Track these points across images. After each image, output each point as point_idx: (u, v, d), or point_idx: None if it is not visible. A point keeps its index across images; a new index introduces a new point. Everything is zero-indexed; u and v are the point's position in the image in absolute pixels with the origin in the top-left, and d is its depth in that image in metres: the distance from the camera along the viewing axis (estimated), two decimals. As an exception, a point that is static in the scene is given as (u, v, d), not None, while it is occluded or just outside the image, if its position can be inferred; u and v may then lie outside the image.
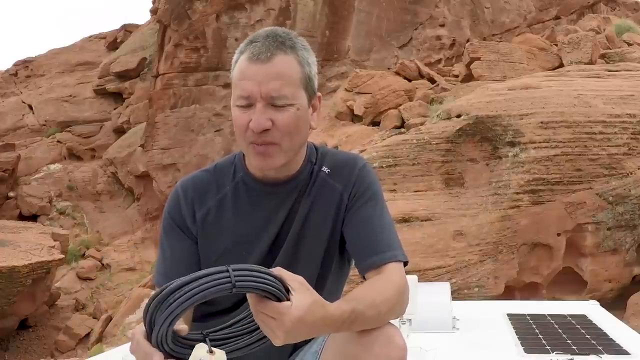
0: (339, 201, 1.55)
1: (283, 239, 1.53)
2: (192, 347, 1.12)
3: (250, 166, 1.56)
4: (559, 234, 7.15)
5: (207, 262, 1.53)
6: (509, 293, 7.06)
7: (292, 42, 1.45)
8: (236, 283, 1.11)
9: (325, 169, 1.58)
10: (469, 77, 11.63)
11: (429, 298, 3.12)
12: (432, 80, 13.61)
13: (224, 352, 1.15)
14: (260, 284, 1.14)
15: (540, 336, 2.92)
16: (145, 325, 1.12)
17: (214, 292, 1.09)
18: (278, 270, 1.21)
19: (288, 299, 1.18)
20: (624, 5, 21.12)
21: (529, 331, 3.04)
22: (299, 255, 1.53)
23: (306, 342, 1.58)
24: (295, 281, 1.20)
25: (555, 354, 2.62)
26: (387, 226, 1.53)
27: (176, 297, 1.08)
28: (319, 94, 1.55)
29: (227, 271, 1.10)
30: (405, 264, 1.50)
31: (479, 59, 11.32)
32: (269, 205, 1.54)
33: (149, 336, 1.12)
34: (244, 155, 1.59)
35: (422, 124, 8.69)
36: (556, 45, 11.17)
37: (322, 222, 1.55)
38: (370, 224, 1.52)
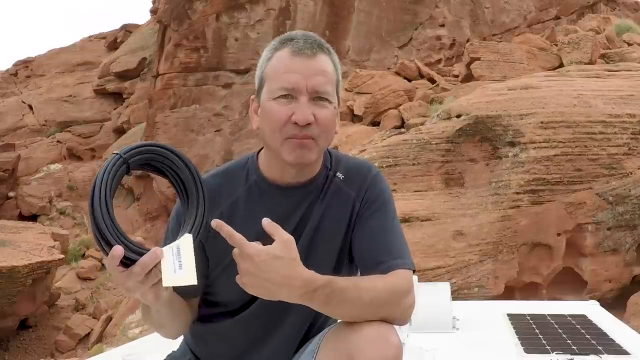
0: (352, 208, 1.54)
1: (295, 244, 1.52)
2: (148, 250, 1.21)
3: (272, 167, 1.53)
4: (559, 234, 7.14)
5: (218, 265, 1.52)
6: (509, 293, 7.06)
7: (328, 46, 1.51)
8: (125, 155, 1.23)
9: (339, 175, 1.57)
10: (469, 77, 11.63)
11: (429, 298, 3.11)
12: (432, 80, 13.62)
13: (190, 234, 1.26)
14: (151, 154, 1.27)
15: (540, 336, 2.92)
16: (100, 240, 1.19)
17: (110, 171, 1.21)
18: (271, 225, 1.26)
19: (202, 192, 1.30)
20: (624, 5, 21.13)
21: (529, 331, 3.04)
22: (310, 260, 1.49)
23: (304, 343, 1.59)
24: (280, 235, 1.26)
25: (555, 354, 2.62)
26: (397, 234, 1.53)
27: (94, 197, 1.18)
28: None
29: (117, 154, 1.24)
30: (413, 272, 1.49)
31: (479, 59, 11.31)
32: (283, 208, 1.53)
33: (108, 247, 1.19)
34: (257, 158, 1.58)
35: (422, 124, 8.69)
36: (556, 45, 11.16)
37: (335, 228, 1.54)
38: (379, 232, 1.51)
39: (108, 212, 1.18)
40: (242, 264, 1.23)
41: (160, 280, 1.20)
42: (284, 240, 1.25)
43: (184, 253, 1.22)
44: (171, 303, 1.38)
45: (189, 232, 1.27)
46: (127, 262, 1.19)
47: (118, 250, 1.16)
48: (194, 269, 1.21)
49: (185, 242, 1.24)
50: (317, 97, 1.43)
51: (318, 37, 1.50)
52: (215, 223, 1.25)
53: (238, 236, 1.24)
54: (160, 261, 1.19)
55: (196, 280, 1.21)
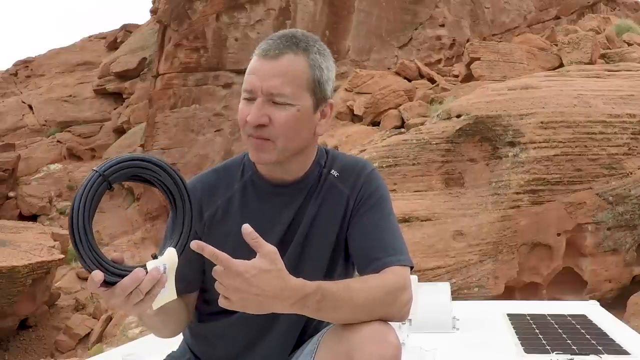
0: (346, 205, 1.55)
1: (289, 240, 1.52)
2: (130, 269, 1.19)
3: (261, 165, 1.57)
4: (559, 234, 7.14)
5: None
6: (509, 293, 7.05)
7: (307, 45, 1.47)
8: (104, 172, 1.19)
9: (334, 172, 1.58)
10: (469, 77, 11.63)
11: (429, 298, 3.11)
12: (432, 80, 13.62)
13: (174, 249, 1.25)
14: (132, 168, 1.22)
15: (540, 336, 2.92)
16: (80, 260, 1.18)
17: (89, 188, 1.18)
18: (252, 238, 1.24)
19: (189, 203, 1.28)
20: (624, 5, 21.13)
21: (529, 331, 3.04)
22: (305, 257, 1.52)
23: (302, 343, 1.59)
24: (264, 248, 1.24)
25: (555, 354, 2.62)
26: (393, 231, 1.52)
27: (73, 219, 1.16)
28: (331, 101, 1.55)
29: (96, 171, 1.20)
30: (411, 269, 1.49)
31: (479, 59, 11.31)
32: (277, 205, 1.54)
33: (88, 268, 1.18)
34: None
35: (422, 124, 8.68)
36: (556, 45, 11.16)
37: (329, 226, 1.54)
38: (374, 229, 1.51)
39: (86, 234, 1.17)
40: (230, 281, 1.21)
41: (143, 299, 1.20)
42: (269, 252, 1.24)
43: (168, 271, 1.22)
44: (161, 310, 1.38)
45: (174, 246, 1.26)
46: (109, 282, 1.19)
47: (97, 276, 1.16)
48: (174, 286, 1.23)
49: (170, 259, 1.24)
50: (272, 100, 1.43)
51: (301, 37, 1.48)
52: (196, 245, 1.23)
53: (223, 255, 1.22)
54: (142, 281, 1.18)
55: (176, 296, 1.24)
